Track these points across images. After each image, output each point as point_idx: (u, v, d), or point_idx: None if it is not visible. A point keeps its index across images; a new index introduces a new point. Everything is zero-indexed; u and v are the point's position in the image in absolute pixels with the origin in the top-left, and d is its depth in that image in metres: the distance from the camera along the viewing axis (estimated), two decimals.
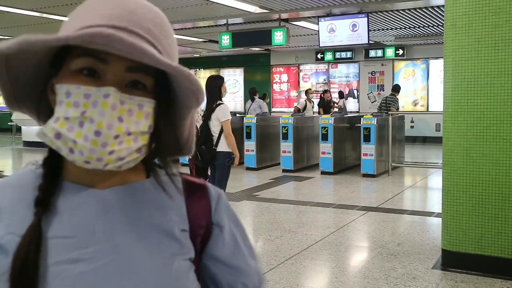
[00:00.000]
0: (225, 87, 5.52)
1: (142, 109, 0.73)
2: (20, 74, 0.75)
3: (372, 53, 16.88)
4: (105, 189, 0.76)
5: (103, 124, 0.69)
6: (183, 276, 0.77)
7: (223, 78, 5.67)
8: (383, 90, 17.40)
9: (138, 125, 0.72)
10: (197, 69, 20.35)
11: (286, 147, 10.28)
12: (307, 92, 14.12)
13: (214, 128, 5.42)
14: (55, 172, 0.77)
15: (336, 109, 15.10)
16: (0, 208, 0.74)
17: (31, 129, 16.19)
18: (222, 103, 5.47)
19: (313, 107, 13.84)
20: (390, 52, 16.65)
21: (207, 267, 0.84)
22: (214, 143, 5.43)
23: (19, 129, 17.56)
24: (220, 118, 5.39)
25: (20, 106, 0.79)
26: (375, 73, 17.54)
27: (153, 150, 0.77)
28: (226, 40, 11.59)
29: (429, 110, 16.43)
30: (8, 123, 17.49)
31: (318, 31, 10.83)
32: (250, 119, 10.64)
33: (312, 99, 14.03)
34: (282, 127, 10.34)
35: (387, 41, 15.72)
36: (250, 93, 13.70)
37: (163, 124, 0.77)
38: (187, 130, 0.82)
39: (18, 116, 16.28)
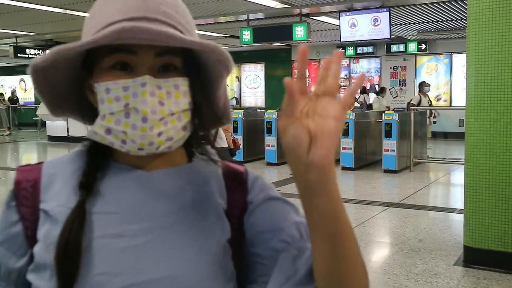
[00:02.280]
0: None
1: (179, 89, 0.77)
2: (56, 82, 0.79)
3: (394, 47, 16.71)
4: (151, 171, 0.80)
5: (147, 111, 0.73)
6: (219, 260, 0.78)
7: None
8: (405, 85, 17.24)
9: (179, 104, 0.76)
10: None
11: None
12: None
13: None
14: (102, 155, 0.82)
15: (357, 104, 15.04)
16: (53, 182, 0.80)
17: (55, 124, 16.47)
18: None
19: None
20: (412, 47, 16.46)
21: (246, 243, 0.82)
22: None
23: (43, 124, 17.86)
24: None
25: (64, 112, 0.85)
26: (397, 68, 17.38)
27: (196, 125, 0.81)
28: (247, 35, 11.61)
29: (452, 105, 16.22)
30: (33, 118, 17.80)
31: (339, 26, 10.77)
32: (271, 114, 10.65)
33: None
34: None
35: (409, 35, 15.56)
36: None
37: (201, 98, 0.81)
38: (222, 99, 0.85)
39: (42, 111, 16.56)
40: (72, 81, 0.81)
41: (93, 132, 0.76)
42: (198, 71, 0.81)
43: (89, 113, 0.82)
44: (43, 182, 0.81)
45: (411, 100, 12.83)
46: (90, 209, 0.76)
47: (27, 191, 0.80)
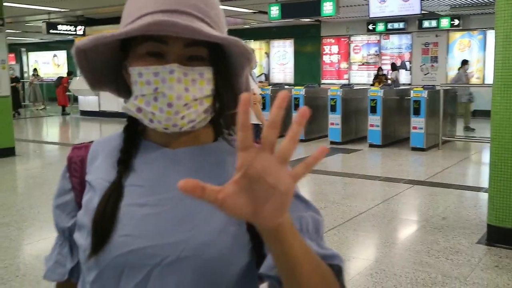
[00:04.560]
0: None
1: (203, 77, 0.85)
2: (97, 61, 0.90)
3: (426, 23, 16.37)
4: (175, 149, 0.90)
5: (173, 97, 0.82)
6: (235, 230, 0.84)
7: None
8: (437, 62, 16.91)
9: (202, 91, 0.85)
10: (247, 40, 20.37)
11: (334, 119, 10.25)
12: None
13: None
14: (136, 135, 0.93)
15: (389, 81, 14.85)
16: (97, 157, 0.93)
17: (87, 99, 16.79)
18: None
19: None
20: (445, 23, 16.08)
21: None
22: None
23: (76, 99, 18.23)
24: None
25: (102, 87, 0.96)
26: (428, 44, 17.03)
27: (218, 109, 0.90)
28: (275, 11, 11.55)
29: (485, 82, 15.85)
30: (66, 93, 18.15)
31: (368, 1, 10.60)
32: (299, 91, 10.65)
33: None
34: (331, 99, 10.29)
35: (442, 11, 15.19)
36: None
37: (223, 85, 0.89)
38: (244, 85, 0.93)
39: (74, 87, 16.89)
40: (111, 60, 0.91)
41: (127, 108, 0.87)
42: (222, 60, 0.88)
43: (124, 89, 0.92)
44: (89, 157, 0.94)
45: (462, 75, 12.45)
46: (123, 182, 0.88)
47: (76, 165, 0.94)
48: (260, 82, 13.76)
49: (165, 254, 0.82)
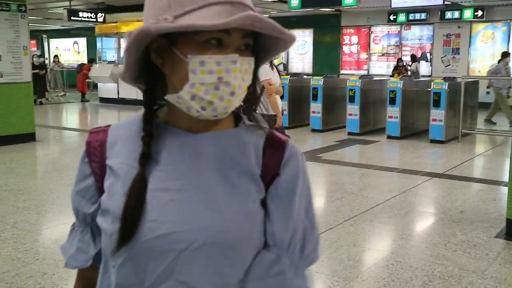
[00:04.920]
0: None
1: (251, 67, 0.88)
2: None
3: (448, 14, 16.11)
4: (198, 133, 0.90)
5: (236, 86, 0.84)
6: (254, 217, 0.89)
7: None
8: (458, 54, 16.66)
9: (249, 80, 0.89)
10: None
11: (352, 110, 10.19)
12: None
13: None
14: (151, 117, 0.92)
15: (409, 73, 14.68)
16: (116, 142, 0.93)
17: (106, 86, 16.92)
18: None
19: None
20: (468, 14, 15.80)
21: (267, 207, 0.91)
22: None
23: (95, 86, 18.38)
24: (260, 78, 5.41)
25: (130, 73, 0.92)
26: (450, 35, 16.76)
27: (246, 96, 0.91)
28: (295, 0, 11.46)
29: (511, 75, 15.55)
30: (86, 80, 18.31)
31: None
32: (317, 81, 10.59)
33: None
34: (349, 89, 10.22)
35: (465, 1, 14.93)
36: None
37: (256, 74, 0.93)
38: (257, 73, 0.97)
39: (94, 73, 17.03)
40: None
41: (177, 97, 0.85)
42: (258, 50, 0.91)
43: (144, 74, 0.90)
44: (109, 141, 0.94)
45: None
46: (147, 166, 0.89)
47: (96, 149, 0.94)
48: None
49: (192, 239, 0.84)
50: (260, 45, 0.90)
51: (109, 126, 0.98)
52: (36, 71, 16.12)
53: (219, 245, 0.85)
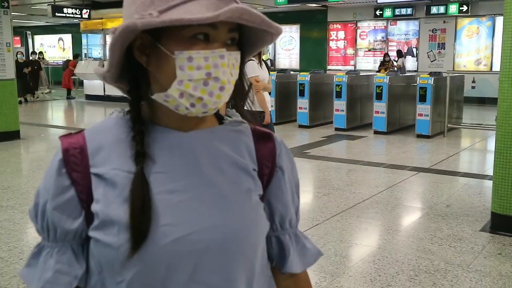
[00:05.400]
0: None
1: (237, 61, 0.87)
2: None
3: (434, 9, 16.20)
4: (190, 132, 0.89)
5: (225, 81, 0.83)
6: (259, 209, 0.91)
7: None
8: (444, 49, 16.76)
9: (236, 75, 0.87)
10: None
11: (339, 106, 10.20)
12: None
13: None
14: (140, 117, 0.88)
15: (395, 68, 14.75)
16: (100, 149, 0.86)
17: (92, 83, 16.78)
18: (249, 60, 5.49)
19: None
20: (453, 9, 15.91)
21: (267, 202, 0.96)
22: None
23: (81, 83, 18.22)
24: (247, 74, 5.42)
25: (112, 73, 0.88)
26: (436, 30, 16.86)
27: (233, 92, 0.89)
28: None
29: (493, 70, 15.71)
30: (71, 77, 18.14)
31: None
32: (304, 77, 10.59)
33: None
34: (336, 85, 10.24)
35: None
36: None
37: (242, 69, 0.92)
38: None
39: (80, 70, 16.88)
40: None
41: (165, 96, 0.82)
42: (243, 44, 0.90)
43: (125, 72, 0.87)
44: (90, 148, 0.86)
45: None
46: (145, 169, 0.85)
47: (76, 158, 0.85)
48: None
49: (210, 238, 0.83)
50: (244, 38, 0.89)
51: (81, 131, 0.90)
52: (29, 69, 16.01)
53: (235, 240, 0.85)
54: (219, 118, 0.95)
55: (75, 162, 0.85)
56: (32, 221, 0.90)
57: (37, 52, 21.25)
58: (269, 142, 0.95)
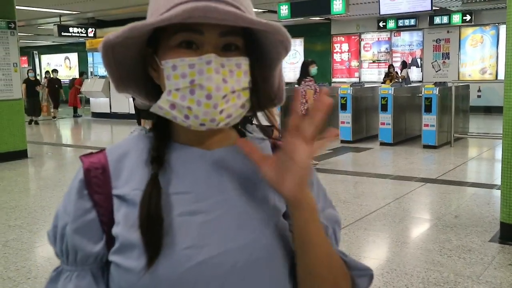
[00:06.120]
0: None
1: (240, 68, 0.80)
2: (124, 59, 0.83)
3: (437, 19, 16.23)
4: (212, 150, 0.85)
5: (212, 88, 0.76)
6: (284, 227, 0.85)
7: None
8: (448, 59, 16.76)
9: (240, 83, 0.80)
10: None
11: (345, 118, 10.20)
12: None
13: None
14: (164, 135, 0.86)
15: (400, 79, 14.75)
16: (122, 169, 0.83)
17: (98, 101, 16.89)
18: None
19: None
20: (456, 18, 15.93)
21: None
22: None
23: (87, 101, 18.34)
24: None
25: (127, 89, 0.88)
26: (440, 40, 16.88)
27: (254, 104, 0.84)
28: (284, 10, 11.52)
29: (498, 78, 15.67)
30: (78, 95, 18.27)
31: None
32: None
33: None
34: (341, 97, 10.24)
35: (453, 6, 15.04)
36: None
37: (259, 78, 0.84)
38: (277, 80, 0.89)
39: (86, 88, 17.00)
40: (138, 59, 0.85)
41: (158, 107, 0.80)
42: (257, 51, 0.84)
43: (151, 90, 0.86)
44: (112, 168, 0.83)
45: None
46: (166, 189, 0.81)
47: (98, 179, 0.82)
48: None
49: (235, 260, 0.79)
50: (263, 49, 0.84)
51: (102, 150, 0.88)
52: (40, 87, 15.72)
53: (261, 261, 0.81)
54: (241, 133, 0.91)
55: (97, 183, 0.82)
56: (51, 244, 0.86)
57: (51, 70, 21.34)
58: None
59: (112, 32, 0.78)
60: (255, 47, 0.83)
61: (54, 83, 17.06)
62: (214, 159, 0.84)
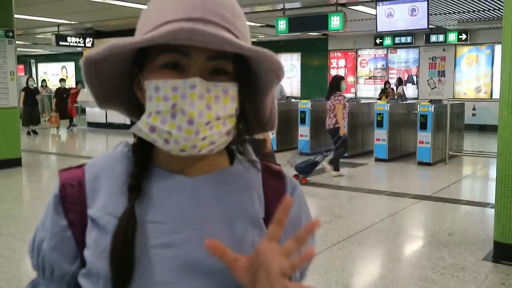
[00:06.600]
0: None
1: (228, 94, 0.76)
2: (106, 76, 0.80)
3: (433, 38, 16.36)
4: (195, 177, 0.80)
5: (194, 114, 0.72)
6: None
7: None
8: (444, 76, 16.88)
9: (226, 109, 0.75)
10: None
11: None
12: None
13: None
14: (145, 158, 0.81)
15: (396, 96, 14.83)
16: (99, 188, 0.80)
17: (94, 111, 16.87)
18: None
19: None
20: (452, 37, 16.06)
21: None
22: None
23: (83, 111, 18.31)
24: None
25: (110, 105, 0.85)
26: (436, 58, 17.01)
27: (241, 130, 0.81)
28: (282, 25, 11.58)
29: (493, 97, 15.78)
30: (74, 104, 18.23)
31: (376, 15, 10.63)
32: (305, 104, 10.64)
33: None
34: None
35: (449, 25, 15.20)
36: None
37: (248, 104, 0.80)
38: (269, 107, 0.85)
39: (82, 98, 16.98)
40: (122, 76, 0.81)
41: (138, 129, 0.76)
42: (248, 76, 0.80)
43: (135, 108, 0.82)
44: (88, 187, 0.80)
45: None
46: (141, 216, 0.77)
47: (73, 197, 0.80)
48: None
49: None
50: (255, 75, 0.80)
51: (82, 166, 0.84)
52: (40, 96, 15.33)
53: None
54: (230, 153, 0.87)
55: (72, 202, 0.80)
56: (29, 255, 0.86)
57: (41, 79, 21.15)
58: (280, 185, 0.86)
59: (94, 48, 0.74)
60: (246, 73, 0.79)
61: (62, 93, 16.45)
62: (194, 188, 0.80)
